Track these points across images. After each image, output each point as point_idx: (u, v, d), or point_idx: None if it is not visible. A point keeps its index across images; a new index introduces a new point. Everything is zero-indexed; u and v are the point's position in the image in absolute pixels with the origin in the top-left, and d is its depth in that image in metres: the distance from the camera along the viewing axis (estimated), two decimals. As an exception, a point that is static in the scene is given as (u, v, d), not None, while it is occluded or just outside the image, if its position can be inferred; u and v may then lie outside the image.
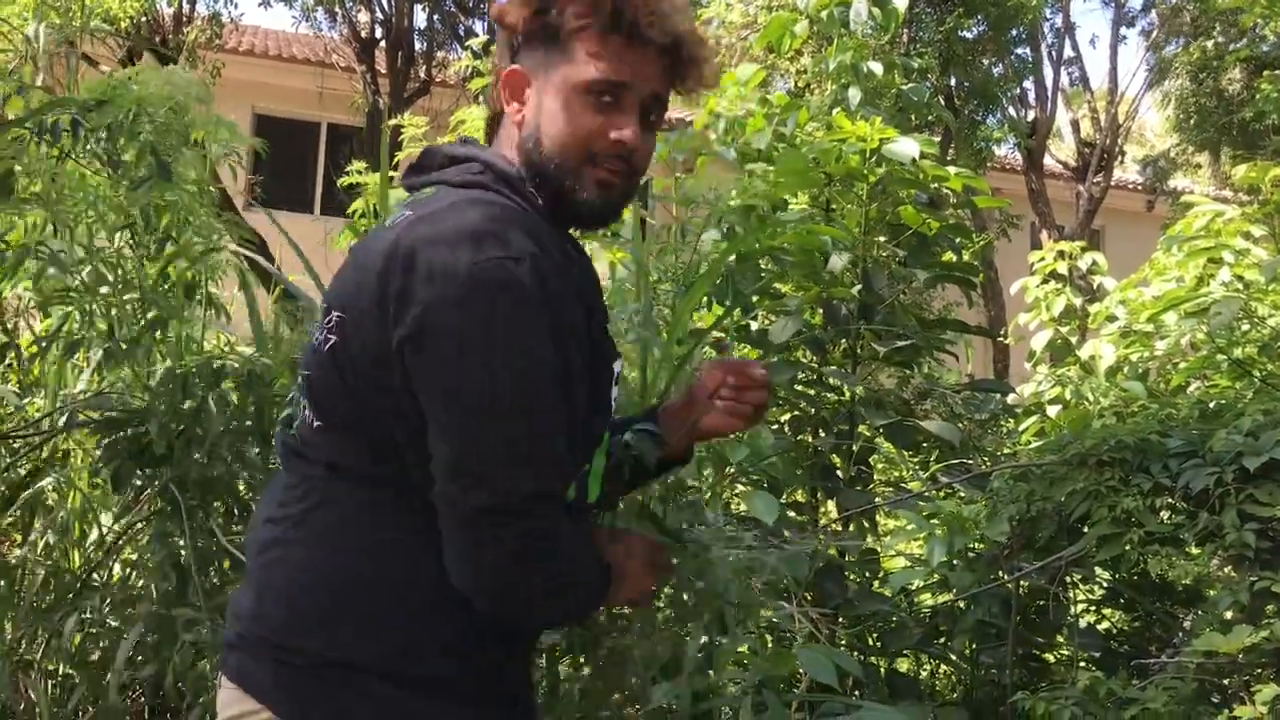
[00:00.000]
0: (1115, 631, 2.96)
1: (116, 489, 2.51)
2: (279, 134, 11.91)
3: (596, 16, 1.29)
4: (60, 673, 2.76)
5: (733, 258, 2.86)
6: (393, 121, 4.45)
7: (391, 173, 4.20)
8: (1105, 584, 2.89)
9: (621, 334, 2.09)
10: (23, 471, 2.91)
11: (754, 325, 3.09)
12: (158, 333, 2.77)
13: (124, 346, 2.67)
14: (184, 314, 2.95)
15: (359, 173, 4.24)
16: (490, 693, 1.28)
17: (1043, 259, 5.09)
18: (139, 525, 2.68)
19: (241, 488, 2.52)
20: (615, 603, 1.46)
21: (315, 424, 1.28)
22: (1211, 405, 2.75)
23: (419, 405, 1.20)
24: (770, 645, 2.32)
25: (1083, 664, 2.65)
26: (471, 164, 1.33)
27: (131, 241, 2.98)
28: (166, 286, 3.12)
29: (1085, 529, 2.45)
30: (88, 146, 2.82)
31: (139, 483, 2.55)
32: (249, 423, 2.43)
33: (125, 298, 2.85)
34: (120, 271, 2.92)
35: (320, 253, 2.85)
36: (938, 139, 8.17)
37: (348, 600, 1.24)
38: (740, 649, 1.93)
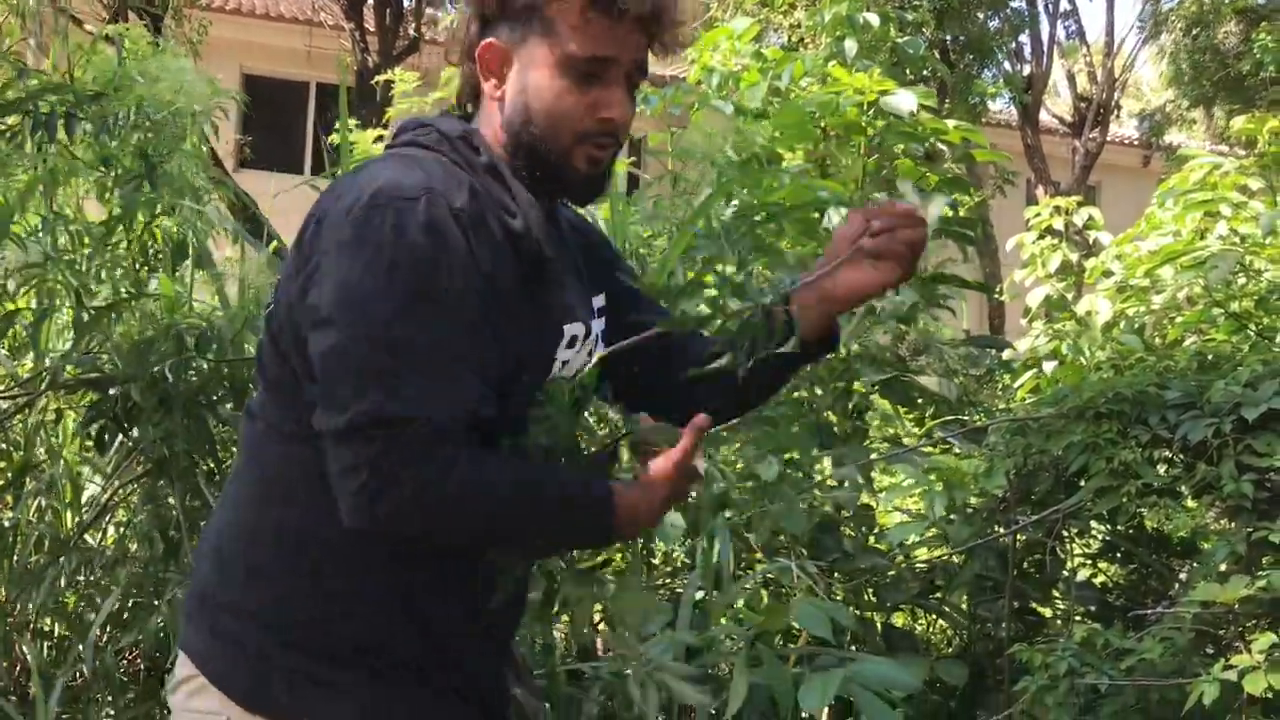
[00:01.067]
0: (1112, 584, 2.97)
1: (100, 450, 2.50)
2: (267, 94, 11.81)
3: None
4: (56, 634, 2.76)
5: (728, 213, 2.83)
6: (382, 77, 4.40)
7: (382, 130, 4.17)
8: (1102, 537, 2.89)
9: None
10: (14, 434, 2.90)
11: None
12: (130, 300, 2.76)
13: (89, 316, 2.65)
14: (174, 273, 2.93)
15: (349, 131, 4.18)
16: (424, 673, 1.23)
17: (1039, 214, 5.06)
18: (131, 487, 2.67)
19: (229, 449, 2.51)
20: (629, 535, 1.27)
21: (260, 386, 1.31)
22: (1209, 357, 2.74)
23: None
24: (766, 600, 2.32)
25: (1079, 617, 2.66)
26: (423, 130, 1.32)
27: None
28: (155, 249, 3.09)
29: (1082, 482, 2.44)
30: (83, 142, 2.83)
31: (129, 444, 2.53)
32: (223, 384, 2.42)
33: (94, 265, 2.84)
34: (88, 240, 2.91)
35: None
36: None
37: (265, 559, 1.23)
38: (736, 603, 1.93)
